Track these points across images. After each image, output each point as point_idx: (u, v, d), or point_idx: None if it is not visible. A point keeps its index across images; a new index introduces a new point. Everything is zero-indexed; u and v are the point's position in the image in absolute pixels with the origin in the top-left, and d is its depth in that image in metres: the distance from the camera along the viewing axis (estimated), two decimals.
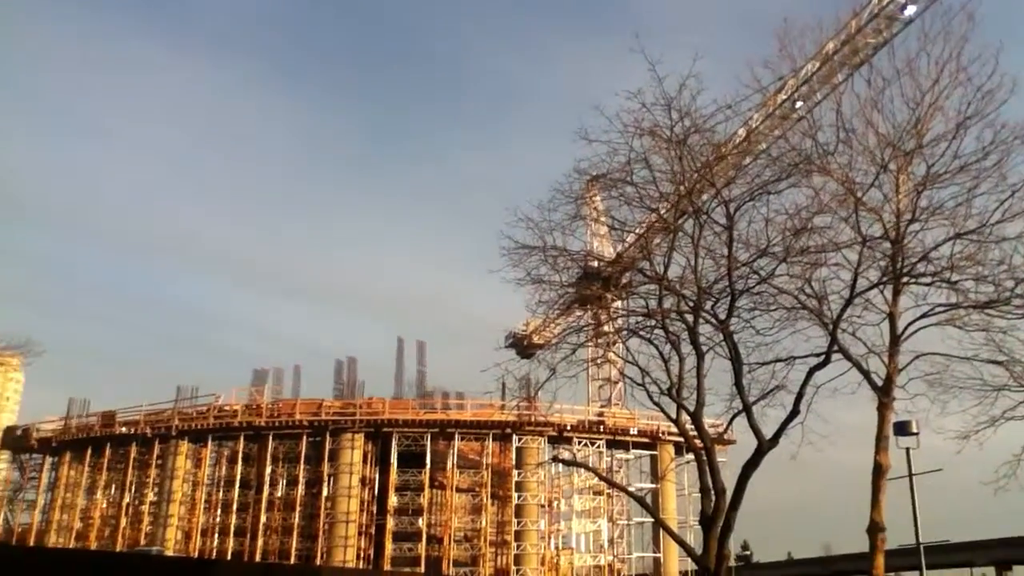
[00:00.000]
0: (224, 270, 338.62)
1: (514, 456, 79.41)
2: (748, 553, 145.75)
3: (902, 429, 25.07)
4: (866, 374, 23.60)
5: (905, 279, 22.71)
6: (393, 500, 77.54)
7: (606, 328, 24.60)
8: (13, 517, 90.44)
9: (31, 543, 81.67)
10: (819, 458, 22.15)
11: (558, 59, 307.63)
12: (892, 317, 23.54)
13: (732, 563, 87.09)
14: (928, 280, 22.49)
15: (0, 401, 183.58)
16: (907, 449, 25.74)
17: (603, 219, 24.17)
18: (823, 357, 21.08)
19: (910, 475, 25.89)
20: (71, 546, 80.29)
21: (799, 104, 27.57)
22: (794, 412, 20.85)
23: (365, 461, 78.82)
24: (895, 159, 22.42)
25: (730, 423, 23.38)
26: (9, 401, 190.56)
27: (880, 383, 23.80)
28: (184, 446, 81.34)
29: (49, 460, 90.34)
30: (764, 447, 21.09)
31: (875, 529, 23.95)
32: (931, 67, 22.55)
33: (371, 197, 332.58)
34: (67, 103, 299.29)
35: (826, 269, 22.50)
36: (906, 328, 23.61)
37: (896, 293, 23.30)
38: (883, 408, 24.12)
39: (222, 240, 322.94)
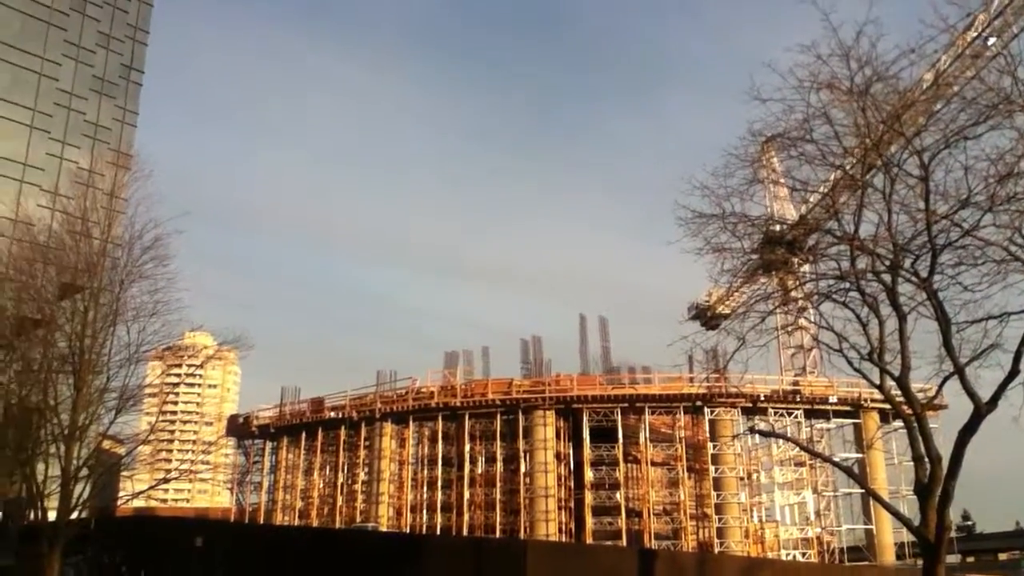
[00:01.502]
0: (408, 260, 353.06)
1: (707, 428, 78.25)
2: (970, 523, 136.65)
3: None
4: None
5: None
6: (589, 475, 78.50)
7: (795, 294, 23.63)
8: (244, 498, 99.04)
9: (261, 521, 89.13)
10: None
11: (713, 21, 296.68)
12: None
13: (953, 534, 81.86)
14: None
15: (222, 392, 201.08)
16: None
17: (783, 181, 23.15)
18: None
19: None
20: (296, 523, 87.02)
21: (992, 40, 25.08)
22: (1013, 372, 19.20)
23: (558, 437, 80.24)
24: None
25: (940, 386, 21.83)
26: (230, 392, 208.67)
27: None
28: (388, 427, 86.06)
29: (268, 445, 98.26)
30: (982, 411, 19.57)
31: None
32: None
33: (534, 176, 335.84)
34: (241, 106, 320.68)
35: None
36: None
37: None
38: None
39: (405, 231, 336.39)
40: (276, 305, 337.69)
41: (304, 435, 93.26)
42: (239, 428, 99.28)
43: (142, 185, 33.20)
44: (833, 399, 78.35)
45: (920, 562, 23.68)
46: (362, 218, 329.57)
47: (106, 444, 38.12)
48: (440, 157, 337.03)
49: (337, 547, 37.50)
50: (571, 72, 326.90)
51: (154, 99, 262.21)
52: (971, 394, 19.75)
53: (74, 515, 30.21)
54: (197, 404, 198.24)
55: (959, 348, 20.17)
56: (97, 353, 30.01)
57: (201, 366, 50.72)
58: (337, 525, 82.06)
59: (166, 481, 37.91)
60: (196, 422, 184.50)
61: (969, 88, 20.15)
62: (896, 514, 25.24)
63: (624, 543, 72.20)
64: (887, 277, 20.46)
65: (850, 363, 21.91)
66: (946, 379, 20.72)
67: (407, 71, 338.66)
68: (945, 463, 20.20)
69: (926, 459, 20.54)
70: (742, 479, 79.00)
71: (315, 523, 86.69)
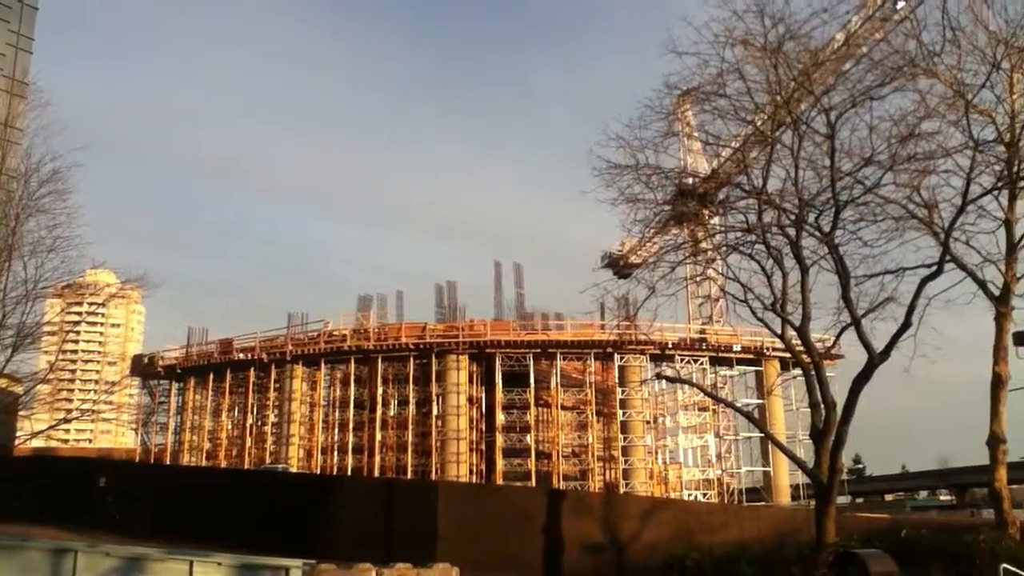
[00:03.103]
0: (324, 203, 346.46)
1: (616, 375, 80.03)
2: (861, 467, 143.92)
3: (1021, 339, 24.13)
4: (982, 284, 22.69)
5: (1022, 184, 21.51)
6: (501, 418, 79.57)
7: (704, 245, 24.28)
8: (149, 439, 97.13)
9: (167, 462, 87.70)
10: (933, 371, 21.59)
11: None
12: (1008, 224, 22.44)
13: (844, 476, 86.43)
14: None
15: (126, 332, 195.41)
16: None
17: (696, 134, 23.59)
18: (935, 267, 20.32)
19: None
20: (203, 464, 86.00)
21: (900, 4, 25.81)
22: (905, 324, 20.28)
23: (471, 381, 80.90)
24: (1008, 57, 20.95)
25: (838, 337, 22.95)
26: (134, 332, 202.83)
27: (997, 293, 22.88)
28: (299, 370, 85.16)
29: (175, 386, 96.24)
30: (875, 360, 20.66)
31: (996, 441, 23.40)
32: None
33: (454, 122, 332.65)
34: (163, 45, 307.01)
35: (936, 176, 21.48)
36: None
37: (1012, 199, 22.14)
38: (1001, 318, 23.26)
39: (319, 173, 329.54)
40: (192, 248, 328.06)
41: (212, 376, 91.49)
42: (144, 368, 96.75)
43: (39, 115, 31.65)
44: (737, 347, 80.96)
45: (814, 503, 25.04)
46: (280, 164, 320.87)
47: (3, 383, 36.82)
48: (361, 104, 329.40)
49: (251, 487, 37.35)
50: (493, 20, 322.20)
51: (58, 27, 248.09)
52: (866, 345, 20.78)
53: None
54: (99, 343, 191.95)
55: (857, 301, 21.14)
56: None
57: (103, 304, 49.16)
58: (246, 467, 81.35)
59: (67, 421, 36.92)
60: (98, 361, 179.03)
61: (876, 50, 20.83)
62: (792, 457, 26.55)
63: (533, 484, 73.80)
64: (792, 231, 21.21)
65: (754, 313, 22.75)
66: (843, 330, 21.73)
67: (329, 17, 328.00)
68: (840, 410, 21.30)
69: (822, 405, 21.61)
70: (648, 423, 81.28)
71: (223, 464, 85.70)
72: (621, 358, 79.42)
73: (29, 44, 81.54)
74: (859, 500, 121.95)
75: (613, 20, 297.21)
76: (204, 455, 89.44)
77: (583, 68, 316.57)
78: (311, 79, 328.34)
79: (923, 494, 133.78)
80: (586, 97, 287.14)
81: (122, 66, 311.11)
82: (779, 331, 22.68)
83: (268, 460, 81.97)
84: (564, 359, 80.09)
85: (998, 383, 23.26)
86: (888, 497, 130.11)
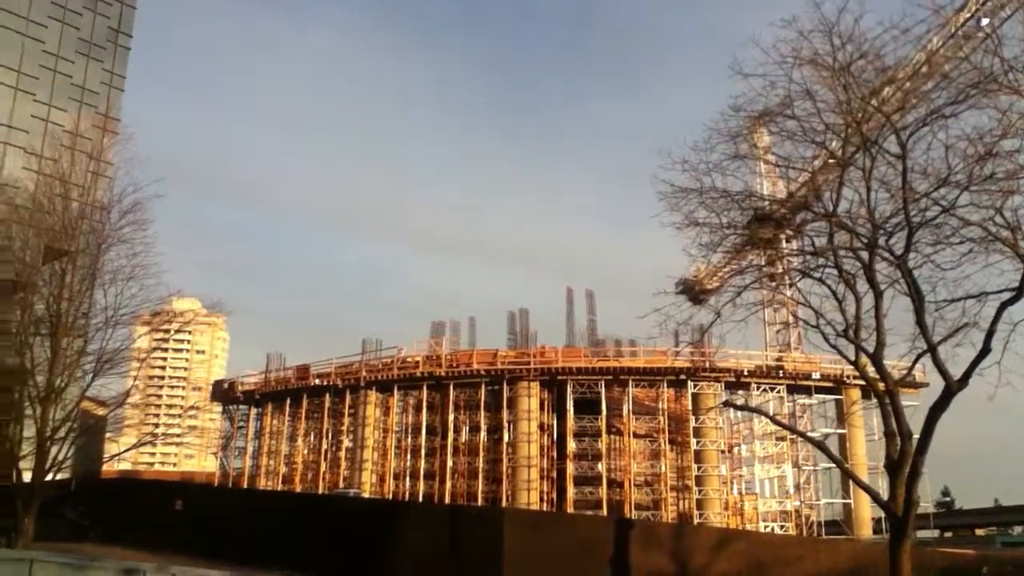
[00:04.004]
0: (399, 233, 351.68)
1: (690, 402, 78.70)
2: (949, 500, 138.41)
3: None
4: None
5: None
6: (572, 445, 78.96)
7: (770, 270, 23.70)
8: (228, 463, 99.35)
9: (244, 486, 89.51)
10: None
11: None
12: None
13: (932, 510, 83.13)
14: None
15: (210, 358, 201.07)
16: None
17: (767, 157, 23.10)
18: (1016, 291, 19.37)
19: None
20: (279, 488, 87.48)
21: (985, 21, 24.88)
22: (984, 350, 19.33)
23: (542, 408, 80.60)
24: None
25: (914, 364, 21.98)
26: (218, 358, 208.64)
27: None
28: (373, 396, 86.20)
29: (254, 411, 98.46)
30: (952, 388, 19.75)
31: None
32: None
33: (520, 149, 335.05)
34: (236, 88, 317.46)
35: (1020, 197, 20.48)
36: None
37: None
38: None
39: (397, 205, 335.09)
40: (271, 277, 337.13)
41: (289, 402, 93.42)
42: (224, 394, 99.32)
43: (123, 148, 32.94)
44: (816, 375, 78.85)
45: None
46: (359, 194, 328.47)
47: (93, 408, 38.13)
48: (434, 134, 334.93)
49: (318, 511, 37.75)
50: (549, 51, 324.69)
51: (144, 64, 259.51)
52: (942, 371, 19.87)
53: (51, 476, 30.24)
54: (185, 369, 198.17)
55: (934, 326, 20.26)
56: (74, 316, 29.91)
57: (179, 330, 50.62)
58: (320, 491, 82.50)
59: (142, 444, 37.93)
60: (184, 387, 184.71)
61: (951, 67, 20.07)
62: (866, 488, 25.51)
63: (605, 513, 72.83)
64: (864, 254, 20.51)
65: (826, 339, 22.03)
66: (919, 356, 20.83)
67: (406, 54, 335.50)
68: (915, 440, 20.40)
69: (897, 436, 20.73)
70: (723, 452, 79.64)
71: (298, 488, 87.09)
72: (694, 385, 78.16)
73: (121, 82, 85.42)
74: (947, 534, 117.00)
75: (674, 48, 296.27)
76: (280, 479, 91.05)
77: (645, 93, 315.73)
78: (387, 112, 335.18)
79: (1017, 530, 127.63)
80: (652, 122, 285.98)
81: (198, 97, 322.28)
82: (853, 358, 21.92)
83: (342, 485, 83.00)
84: (636, 386, 79.19)
85: None
86: (979, 532, 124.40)
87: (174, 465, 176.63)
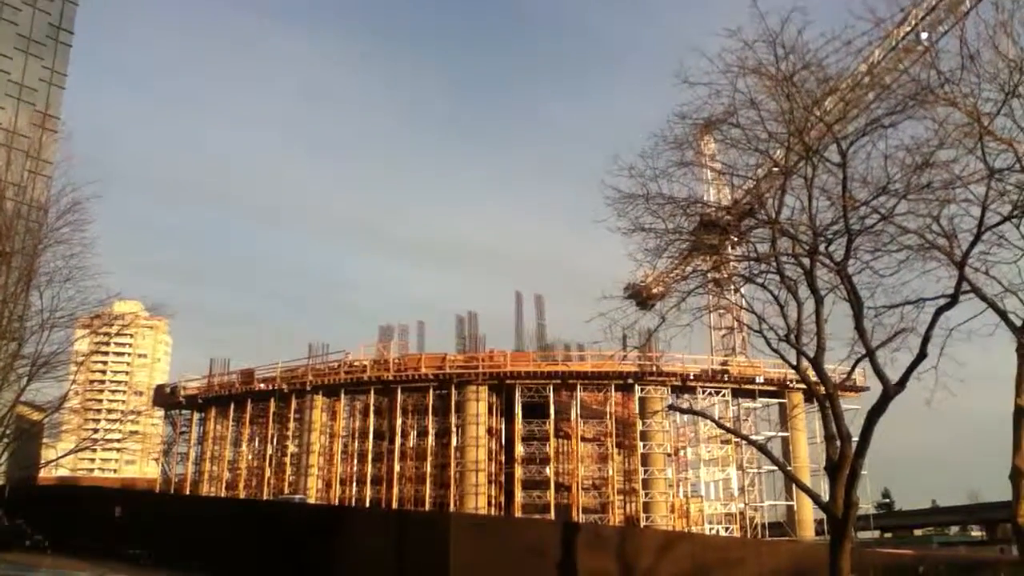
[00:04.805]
0: (348, 235, 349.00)
1: (637, 406, 79.33)
2: (889, 501, 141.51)
3: None
4: (1002, 314, 22.14)
5: None
6: (520, 449, 79.05)
7: (716, 275, 24.03)
8: (169, 468, 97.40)
9: (187, 492, 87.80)
10: (962, 404, 21.06)
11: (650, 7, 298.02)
12: None
13: (872, 511, 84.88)
14: None
15: (152, 361, 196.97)
16: None
17: (711, 164, 23.43)
18: (950, 297, 19.92)
19: None
20: (223, 494, 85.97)
21: (924, 35, 25.64)
22: (921, 355, 19.85)
23: (490, 412, 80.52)
24: None
25: (853, 368, 22.50)
26: (160, 362, 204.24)
27: (1019, 323, 22.37)
28: (319, 400, 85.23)
29: (196, 416, 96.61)
30: (890, 392, 20.24)
31: (1018, 475, 22.80)
32: None
33: (474, 154, 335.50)
34: (180, 79, 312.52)
35: (956, 206, 21.07)
36: None
37: None
38: (1022, 349, 22.74)
39: (344, 205, 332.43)
40: (220, 280, 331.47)
41: (233, 406, 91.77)
42: (166, 398, 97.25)
43: (62, 147, 32.10)
44: (760, 379, 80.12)
45: None
46: (308, 195, 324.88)
47: (29, 413, 37.07)
48: (383, 136, 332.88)
49: (262, 517, 37.17)
50: (500, 53, 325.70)
51: (89, 62, 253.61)
52: (880, 376, 20.33)
53: None
54: (126, 373, 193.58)
55: (873, 331, 20.73)
56: (8, 318, 29.00)
57: (120, 333, 49.54)
58: (265, 497, 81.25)
59: (81, 450, 36.99)
60: (125, 392, 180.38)
61: (891, 79, 20.59)
62: (807, 490, 26.01)
63: (552, 517, 73.02)
64: (805, 260, 20.89)
65: (768, 343, 22.38)
66: (858, 361, 21.29)
67: (344, 48, 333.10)
68: (855, 443, 20.84)
69: (837, 438, 21.15)
70: (669, 455, 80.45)
71: (243, 494, 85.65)
72: (642, 389, 78.82)
73: (62, 80, 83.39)
74: (887, 535, 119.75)
75: (625, 52, 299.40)
76: (224, 485, 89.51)
77: (595, 98, 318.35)
78: (334, 114, 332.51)
79: (954, 530, 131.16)
80: (601, 127, 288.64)
81: (155, 106, 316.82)
82: (794, 362, 22.31)
83: (287, 490, 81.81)
84: (584, 390, 79.62)
85: (1020, 415, 22.71)
86: (917, 532, 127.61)
87: (114, 471, 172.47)
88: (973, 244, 19.83)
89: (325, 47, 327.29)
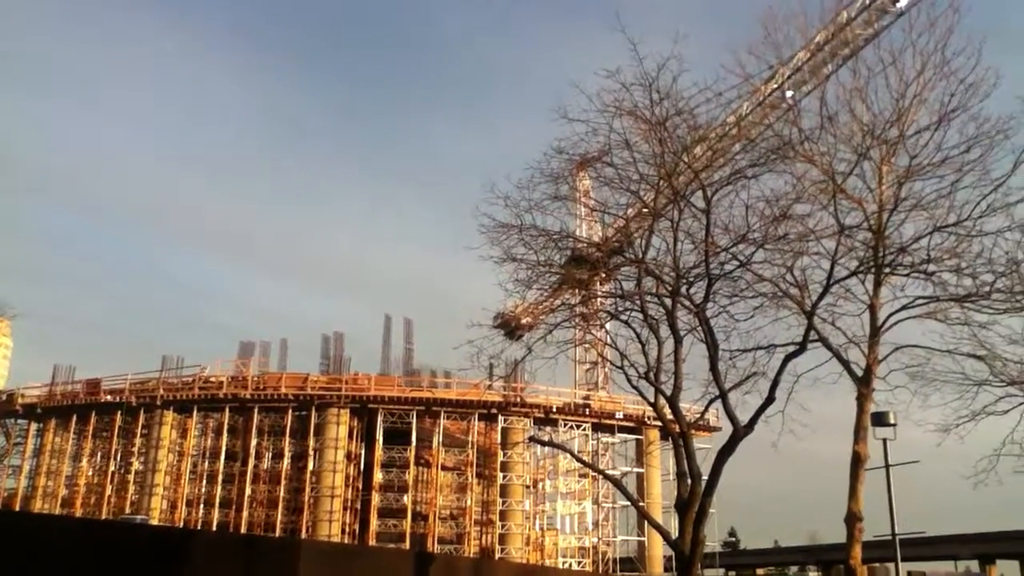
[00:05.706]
0: (216, 247, 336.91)
1: (499, 436, 79.54)
2: (735, 540, 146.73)
3: (880, 420, 25.00)
4: (845, 364, 23.46)
5: (886, 270, 22.55)
6: (379, 476, 77.75)
7: (583, 310, 24.42)
8: None
9: (16, 508, 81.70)
10: (805, 448, 22.06)
11: (539, 40, 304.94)
12: (872, 308, 23.39)
13: (718, 549, 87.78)
14: (906, 272, 22.35)
15: None
16: (884, 440, 25.69)
17: (586, 200, 23.91)
18: (799, 345, 20.90)
19: (887, 466, 25.84)
20: (57, 512, 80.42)
21: (789, 93, 27.20)
22: (769, 399, 20.67)
23: (351, 436, 78.93)
24: (877, 148, 22.21)
25: (706, 408, 23.29)
26: None
27: (860, 373, 23.69)
28: (169, 416, 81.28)
29: (34, 426, 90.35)
30: (740, 433, 20.91)
31: (852, 519, 23.93)
32: (916, 59, 22.31)
33: (354, 177, 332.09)
34: (55, 66, 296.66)
35: (808, 258, 22.26)
36: (886, 320, 23.49)
37: (877, 284, 23.14)
38: (862, 398, 24.02)
39: (218, 218, 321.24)
40: (68, 283, 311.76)
41: (75, 418, 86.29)
42: (2, 406, 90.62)
43: None
44: (619, 415, 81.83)
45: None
46: (180, 201, 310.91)
47: None
48: (260, 150, 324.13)
49: (98, 539, 34.85)
50: (387, 76, 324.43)
51: None
52: (731, 417, 21.02)
53: None
54: None
55: (726, 374, 21.47)
56: None
57: None
58: (104, 516, 76.58)
59: None
60: None
61: (756, 132, 21.65)
62: (657, 527, 26.52)
63: (408, 546, 71.93)
64: (668, 301, 21.46)
65: (629, 380, 22.81)
66: (712, 401, 21.99)
67: (222, 57, 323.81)
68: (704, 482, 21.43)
69: (688, 476, 21.70)
70: (528, 487, 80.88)
71: (79, 512, 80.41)
72: (505, 420, 79.09)
73: None
74: (731, 573, 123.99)
75: (512, 83, 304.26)
76: (59, 502, 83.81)
77: (478, 126, 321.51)
78: (215, 123, 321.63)
79: (793, 569, 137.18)
80: (479, 156, 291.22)
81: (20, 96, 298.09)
82: (652, 399, 22.81)
83: (128, 510, 77.47)
84: (448, 418, 79.27)
85: (857, 462, 23.91)
86: (760, 572, 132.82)
87: None
88: (822, 295, 20.94)
89: (208, 56, 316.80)
